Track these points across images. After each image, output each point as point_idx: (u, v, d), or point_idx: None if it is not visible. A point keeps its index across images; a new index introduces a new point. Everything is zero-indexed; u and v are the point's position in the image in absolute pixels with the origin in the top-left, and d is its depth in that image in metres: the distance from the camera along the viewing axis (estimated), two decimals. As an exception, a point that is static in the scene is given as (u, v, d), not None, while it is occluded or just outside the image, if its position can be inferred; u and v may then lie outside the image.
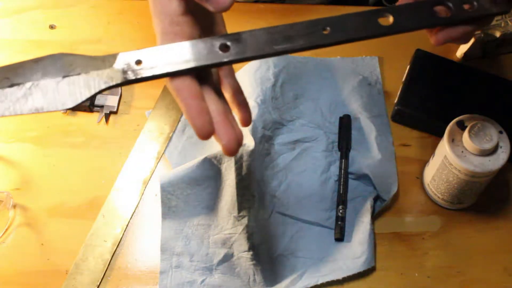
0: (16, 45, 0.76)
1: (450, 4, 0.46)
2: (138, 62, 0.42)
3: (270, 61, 0.73)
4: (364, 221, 0.64)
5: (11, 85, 0.41)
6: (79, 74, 0.41)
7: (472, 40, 0.75)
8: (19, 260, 0.62)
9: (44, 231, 0.64)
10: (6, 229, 0.63)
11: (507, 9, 0.47)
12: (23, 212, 0.65)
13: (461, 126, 0.61)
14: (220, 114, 0.43)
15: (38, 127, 0.70)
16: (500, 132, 0.60)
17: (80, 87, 0.41)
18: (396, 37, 0.80)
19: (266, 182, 0.66)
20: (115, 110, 0.71)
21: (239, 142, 0.43)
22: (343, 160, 0.68)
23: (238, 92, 0.47)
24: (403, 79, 0.73)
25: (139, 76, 0.41)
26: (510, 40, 0.76)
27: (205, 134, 0.41)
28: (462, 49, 0.77)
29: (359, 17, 0.44)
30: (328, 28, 0.43)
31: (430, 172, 0.65)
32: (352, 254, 0.62)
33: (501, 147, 0.59)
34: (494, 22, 0.75)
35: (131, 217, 0.65)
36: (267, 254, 0.62)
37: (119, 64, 0.42)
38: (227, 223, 0.62)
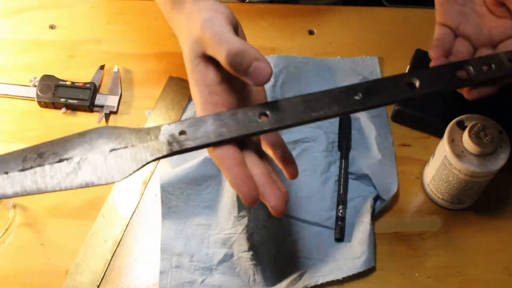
0: (16, 45, 0.76)
1: (471, 68, 0.48)
2: (182, 133, 0.43)
3: (270, 61, 0.73)
4: (364, 221, 0.64)
5: (60, 160, 0.42)
6: (125, 147, 0.42)
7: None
8: (19, 260, 0.62)
9: (44, 231, 0.64)
10: (6, 229, 0.63)
11: None
12: (23, 212, 0.65)
13: (461, 126, 0.61)
14: (264, 176, 0.44)
15: (38, 127, 0.70)
16: (500, 132, 0.60)
17: (128, 160, 0.42)
18: (396, 37, 0.80)
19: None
20: (115, 110, 0.71)
21: (286, 201, 0.44)
22: (343, 160, 0.68)
23: (280, 147, 0.48)
24: (403, 79, 0.73)
25: (184, 147, 0.43)
26: (510, 40, 0.76)
27: (251, 200, 0.42)
28: (462, 49, 0.77)
29: (388, 82, 0.46)
30: (360, 94, 0.45)
31: (430, 172, 0.65)
32: (352, 254, 0.62)
33: (501, 147, 0.59)
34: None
35: (131, 217, 0.65)
36: (267, 254, 0.62)
37: (164, 135, 0.43)
38: (227, 223, 0.62)
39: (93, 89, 0.71)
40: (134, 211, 0.65)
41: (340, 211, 0.64)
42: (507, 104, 0.71)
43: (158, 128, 0.43)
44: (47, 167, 0.41)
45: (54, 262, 0.62)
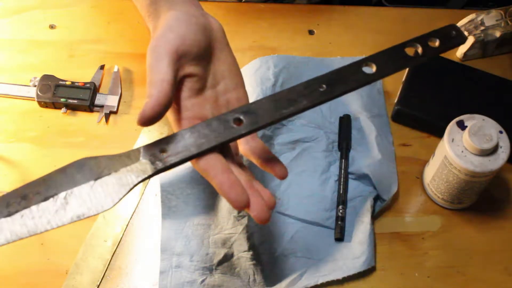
0: (16, 45, 0.76)
1: (418, 45, 0.50)
2: (163, 150, 0.43)
3: (270, 61, 0.73)
4: (364, 221, 0.64)
5: (46, 199, 0.41)
6: (109, 174, 0.42)
7: (472, 40, 0.75)
8: (19, 260, 0.62)
9: (44, 231, 0.64)
10: (6, 229, 0.63)
11: (462, 40, 0.50)
12: (23, 212, 0.64)
13: (461, 126, 0.61)
14: (246, 184, 0.44)
15: (38, 127, 0.70)
16: (500, 132, 0.60)
17: (114, 186, 0.42)
18: (396, 37, 0.80)
19: (266, 182, 0.66)
20: (115, 110, 0.71)
21: (270, 207, 0.44)
22: (343, 160, 0.68)
23: (264, 153, 0.48)
24: (403, 79, 0.73)
25: (168, 164, 0.43)
26: (510, 40, 0.76)
27: (241, 204, 0.42)
28: (462, 49, 0.77)
29: (348, 70, 0.48)
30: (324, 86, 0.46)
31: (430, 172, 0.65)
32: (352, 254, 0.62)
33: (501, 147, 0.59)
34: (494, 22, 0.75)
35: (131, 217, 0.65)
36: (267, 254, 0.62)
37: (145, 156, 0.43)
38: (227, 223, 0.62)
39: (93, 89, 0.71)
40: (134, 211, 0.65)
41: (340, 211, 0.64)
42: (507, 104, 0.71)
43: (137, 150, 0.43)
44: (33, 207, 0.40)
45: (54, 261, 0.62)
